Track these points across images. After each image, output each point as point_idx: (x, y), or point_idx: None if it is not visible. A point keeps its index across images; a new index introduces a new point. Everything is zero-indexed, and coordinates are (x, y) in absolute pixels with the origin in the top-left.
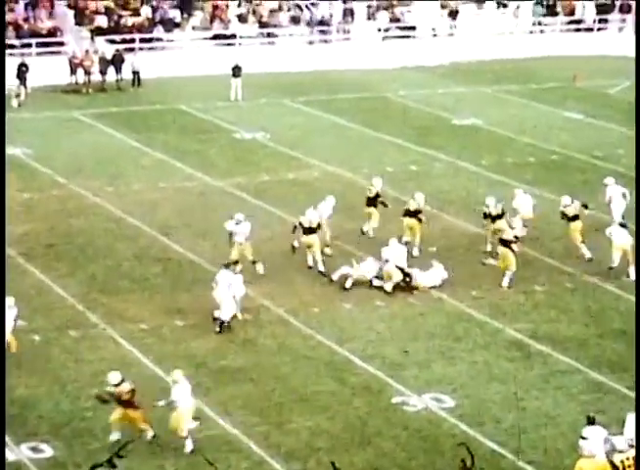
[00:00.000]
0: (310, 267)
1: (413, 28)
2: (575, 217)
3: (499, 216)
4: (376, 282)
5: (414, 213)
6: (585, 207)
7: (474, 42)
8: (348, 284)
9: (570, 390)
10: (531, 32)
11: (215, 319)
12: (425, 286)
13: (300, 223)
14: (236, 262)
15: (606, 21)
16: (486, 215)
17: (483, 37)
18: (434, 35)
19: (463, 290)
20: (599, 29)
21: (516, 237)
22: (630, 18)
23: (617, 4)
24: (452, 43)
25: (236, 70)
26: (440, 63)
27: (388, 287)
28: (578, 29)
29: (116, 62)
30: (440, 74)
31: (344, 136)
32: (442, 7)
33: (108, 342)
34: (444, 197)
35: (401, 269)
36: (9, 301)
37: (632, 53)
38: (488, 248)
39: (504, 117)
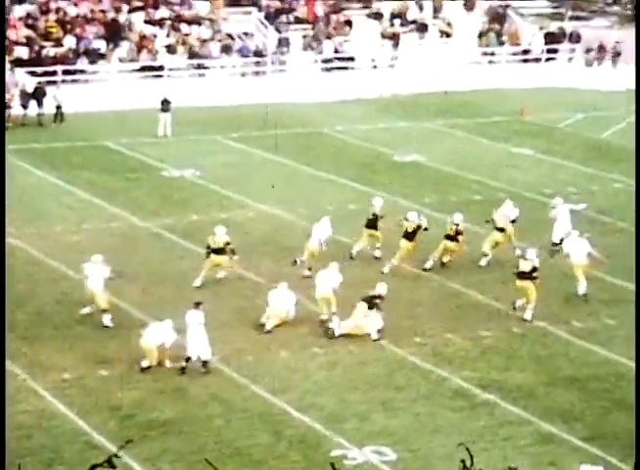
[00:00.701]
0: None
1: (352, 59)
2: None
3: (451, 237)
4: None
5: (413, 234)
6: (487, 221)
7: (416, 73)
8: (269, 326)
9: (519, 442)
10: (493, 63)
11: (144, 369)
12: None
13: (208, 245)
14: (104, 311)
15: (555, 51)
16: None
17: (426, 68)
18: (375, 66)
19: (405, 336)
20: (547, 60)
21: (535, 268)
22: (579, 47)
23: (567, 33)
24: (393, 75)
25: (165, 104)
26: (381, 95)
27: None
28: (526, 60)
29: (38, 95)
30: (381, 108)
31: (280, 174)
32: (383, 36)
33: (28, 393)
34: (386, 238)
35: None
36: None
37: (581, 84)
38: (428, 265)
39: (448, 152)
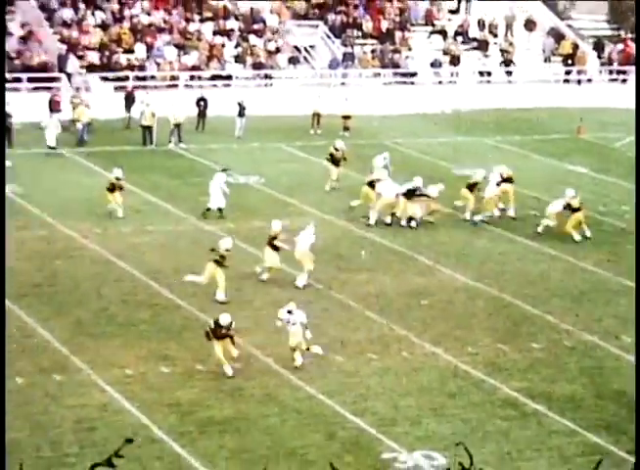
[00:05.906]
0: None
1: (414, 75)
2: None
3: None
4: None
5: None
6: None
7: (476, 90)
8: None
9: (565, 451)
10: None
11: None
12: None
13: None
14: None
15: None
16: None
17: (487, 86)
18: (440, 82)
19: (459, 345)
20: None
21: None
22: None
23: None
24: (454, 90)
25: (241, 109)
26: (443, 111)
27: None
28: (579, 81)
29: (128, 100)
30: (442, 122)
31: (342, 182)
32: (445, 53)
33: (92, 387)
34: (441, 249)
35: None
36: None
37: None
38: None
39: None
